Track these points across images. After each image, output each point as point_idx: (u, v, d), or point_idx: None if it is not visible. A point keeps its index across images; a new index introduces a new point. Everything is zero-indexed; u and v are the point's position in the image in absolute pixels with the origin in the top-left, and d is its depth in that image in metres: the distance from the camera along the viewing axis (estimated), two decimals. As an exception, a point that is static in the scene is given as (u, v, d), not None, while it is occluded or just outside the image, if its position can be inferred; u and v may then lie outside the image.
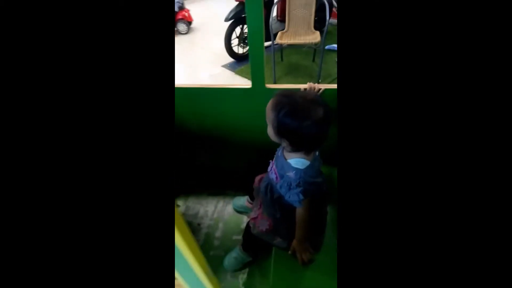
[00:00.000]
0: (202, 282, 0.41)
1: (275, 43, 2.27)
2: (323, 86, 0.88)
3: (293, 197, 0.70)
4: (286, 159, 0.73)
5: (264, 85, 0.89)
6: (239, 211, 1.20)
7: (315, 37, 2.29)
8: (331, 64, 2.59)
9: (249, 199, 1.15)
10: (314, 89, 0.86)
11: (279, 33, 2.33)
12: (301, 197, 0.69)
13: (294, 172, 0.69)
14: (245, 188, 1.17)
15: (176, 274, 0.41)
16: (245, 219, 1.17)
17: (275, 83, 2.41)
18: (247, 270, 1.00)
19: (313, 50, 2.74)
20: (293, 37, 2.35)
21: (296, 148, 0.69)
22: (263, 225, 0.86)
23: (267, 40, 2.88)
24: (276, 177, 0.77)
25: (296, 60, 2.81)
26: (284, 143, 0.69)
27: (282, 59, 2.72)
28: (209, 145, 1.12)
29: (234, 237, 1.12)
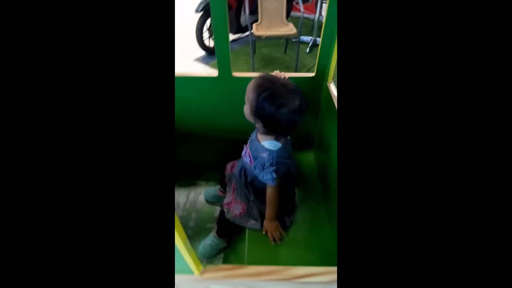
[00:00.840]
0: (183, 257, 0.43)
1: (253, 35, 2.28)
2: (288, 75, 0.93)
3: (266, 176, 0.75)
4: (260, 142, 0.77)
5: (230, 74, 0.91)
6: (211, 201, 1.21)
7: (290, 28, 2.35)
8: (302, 55, 2.70)
9: (220, 188, 1.17)
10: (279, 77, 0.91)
11: (254, 26, 2.34)
12: (274, 175, 0.74)
13: (267, 153, 0.74)
14: (216, 177, 1.19)
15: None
16: (217, 207, 1.19)
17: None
18: (222, 255, 1.03)
19: (285, 42, 2.81)
20: (268, 29, 2.37)
21: (268, 131, 0.73)
22: (237, 209, 0.90)
23: (238, 32, 2.87)
24: (250, 160, 0.81)
25: (269, 52, 2.86)
26: (258, 125, 0.73)
27: (255, 52, 2.74)
28: (177, 136, 1.12)
29: (208, 225, 1.13)
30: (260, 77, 0.71)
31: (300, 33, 2.29)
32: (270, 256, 0.83)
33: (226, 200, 0.95)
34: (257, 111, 0.69)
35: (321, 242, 0.86)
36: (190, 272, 0.48)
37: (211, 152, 1.17)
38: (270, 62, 2.68)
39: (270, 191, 0.80)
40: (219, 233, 0.98)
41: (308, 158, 1.14)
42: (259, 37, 2.29)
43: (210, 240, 1.00)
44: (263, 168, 0.75)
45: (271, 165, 0.74)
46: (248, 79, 0.73)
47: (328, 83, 0.92)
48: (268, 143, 0.75)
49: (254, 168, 0.79)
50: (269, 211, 0.83)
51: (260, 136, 0.79)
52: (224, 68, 0.90)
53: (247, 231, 0.90)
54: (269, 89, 0.67)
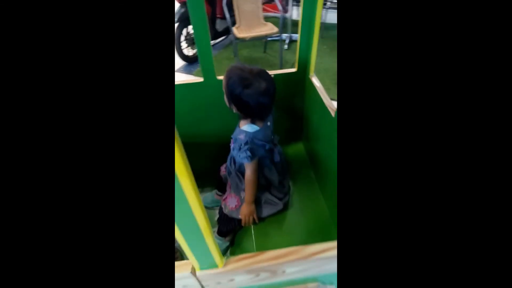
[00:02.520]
0: (211, 252, 0.45)
1: (235, 37, 2.34)
2: (271, 73, 0.97)
3: (242, 154, 0.79)
4: (240, 127, 0.83)
5: (215, 77, 0.94)
6: (210, 207, 1.22)
7: (271, 27, 2.43)
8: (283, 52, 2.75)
9: (217, 192, 1.19)
10: None
11: (234, 29, 2.38)
12: (249, 153, 0.78)
13: (244, 134, 0.80)
14: (211, 183, 1.20)
15: (186, 250, 0.44)
16: (217, 212, 1.20)
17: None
18: (228, 254, 1.05)
19: (264, 42, 2.89)
20: (250, 31, 2.43)
21: (242, 114, 0.80)
22: (232, 202, 0.94)
23: (215, 38, 2.88)
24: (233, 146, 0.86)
25: (248, 53, 2.92)
26: (234, 109, 0.79)
27: (235, 54, 2.76)
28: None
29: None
30: (230, 66, 0.78)
31: (281, 31, 2.38)
32: (277, 243, 0.86)
33: (223, 197, 0.99)
34: (230, 95, 0.76)
35: (323, 222, 0.91)
36: (214, 265, 0.50)
37: (202, 157, 1.18)
38: (252, 63, 2.72)
39: (246, 173, 0.85)
40: (220, 232, 1.01)
41: (298, 148, 1.18)
42: (243, 40, 2.35)
43: (213, 241, 1.03)
44: (240, 149, 0.80)
45: (245, 144, 0.79)
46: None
47: (310, 76, 0.97)
48: (246, 127, 0.82)
49: (233, 149, 0.85)
50: (246, 193, 0.88)
51: (240, 122, 0.85)
52: (209, 73, 0.92)
53: (252, 225, 0.92)
54: (236, 75, 0.75)
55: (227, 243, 1.03)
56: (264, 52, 2.91)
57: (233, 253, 1.04)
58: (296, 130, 1.20)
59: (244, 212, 0.89)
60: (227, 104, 0.81)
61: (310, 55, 0.93)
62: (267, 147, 0.85)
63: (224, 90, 0.80)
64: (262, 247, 0.85)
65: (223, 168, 1.06)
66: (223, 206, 0.96)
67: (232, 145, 0.88)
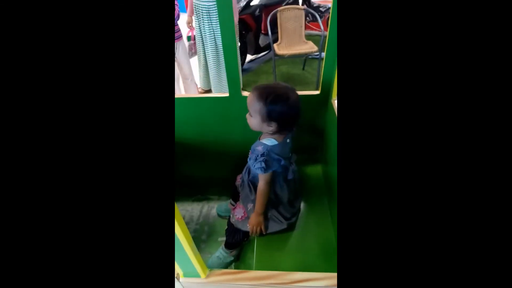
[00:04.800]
0: (190, 260, 0.47)
1: (275, 54, 2.43)
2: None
3: (257, 165, 0.81)
4: (259, 140, 0.86)
5: (240, 93, 0.98)
6: (223, 215, 1.25)
7: (311, 46, 2.49)
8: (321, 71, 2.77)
9: (231, 201, 1.21)
10: None
11: (275, 45, 2.48)
12: (263, 165, 0.80)
13: (262, 146, 0.82)
14: (228, 192, 1.23)
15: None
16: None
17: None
18: (232, 267, 1.06)
19: (303, 60, 2.93)
20: (290, 48, 2.51)
21: (282, 129, 0.81)
22: (239, 213, 0.96)
23: (256, 53, 2.98)
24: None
25: (287, 69, 2.98)
26: (271, 128, 0.80)
27: (273, 70, 2.83)
28: (191, 153, 1.19)
29: (220, 239, 1.17)
30: (256, 89, 0.80)
31: (321, 50, 2.39)
32: (278, 262, 0.86)
33: (233, 207, 1.01)
34: (270, 115, 0.77)
35: (327, 251, 0.88)
36: (197, 275, 0.52)
37: (222, 167, 1.22)
38: (289, 79, 2.77)
39: (259, 184, 0.86)
40: (227, 244, 1.02)
41: (316, 170, 1.16)
42: (282, 56, 2.42)
43: (218, 252, 1.05)
44: (256, 159, 0.82)
45: (262, 155, 0.80)
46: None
47: (332, 100, 0.97)
48: (265, 140, 0.83)
49: (249, 159, 0.86)
50: (256, 204, 0.89)
51: (262, 135, 0.87)
52: (235, 88, 0.97)
53: (255, 242, 0.93)
54: (271, 93, 0.76)
55: (232, 258, 1.05)
56: (303, 69, 2.94)
57: (237, 268, 1.05)
58: (315, 153, 1.19)
59: (252, 222, 0.91)
60: (257, 126, 0.82)
61: (333, 79, 0.93)
62: (282, 162, 0.86)
63: (256, 113, 0.79)
64: (262, 265, 0.85)
65: (239, 178, 1.08)
66: (231, 216, 0.99)
67: (249, 155, 0.91)
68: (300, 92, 1.00)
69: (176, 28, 1.93)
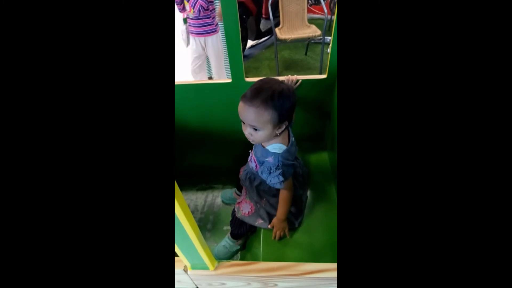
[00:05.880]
0: (198, 251, 0.46)
1: (277, 38, 2.34)
2: (299, 77, 0.95)
3: (274, 179, 0.76)
4: (264, 147, 0.78)
5: (243, 79, 0.94)
6: (227, 203, 1.24)
7: (314, 30, 2.39)
8: (324, 55, 2.66)
9: (236, 191, 1.20)
10: (292, 80, 0.93)
11: (276, 30, 2.38)
12: (281, 178, 0.75)
13: (272, 157, 0.75)
14: (232, 181, 1.21)
15: (176, 249, 0.46)
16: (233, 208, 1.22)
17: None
18: (238, 256, 1.05)
19: (306, 44, 2.85)
20: (292, 32, 2.41)
21: (289, 121, 0.76)
22: (246, 208, 0.93)
23: (257, 38, 2.91)
24: (256, 165, 0.83)
25: (289, 55, 2.90)
26: (281, 129, 0.73)
27: (276, 55, 2.76)
28: (194, 142, 1.16)
29: (225, 228, 1.16)
30: (253, 98, 0.69)
31: (324, 34, 2.32)
32: (284, 254, 0.84)
33: (238, 200, 0.99)
34: (282, 117, 0.70)
35: (335, 241, 0.86)
36: (205, 267, 0.51)
37: (227, 156, 1.20)
38: (292, 65, 2.71)
39: (282, 191, 0.82)
40: (233, 234, 1.01)
41: (323, 158, 1.14)
42: (284, 41, 2.34)
43: (224, 241, 1.03)
44: (270, 173, 0.76)
45: (277, 168, 0.74)
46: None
47: (339, 85, 0.93)
48: (273, 147, 0.76)
49: (261, 173, 0.81)
50: (280, 210, 0.85)
51: (266, 142, 0.79)
52: (237, 74, 0.93)
53: (262, 232, 0.91)
54: (273, 94, 0.67)
55: (238, 247, 1.04)
56: (306, 54, 2.87)
57: (243, 257, 1.04)
58: (322, 139, 1.16)
59: (278, 226, 0.86)
60: (266, 137, 0.73)
61: (341, 63, 0.89)
62: (295, 165, 0.83)
63: (264, 125, 0.69)
64: (269, 255, 0.84)
65: (242, 170, 1.06)
66: (236, 210, 0.96)
67: (252, 164, 0.86)
68: (306, 77, 0.97)
69: (210, 20, 1.79)
